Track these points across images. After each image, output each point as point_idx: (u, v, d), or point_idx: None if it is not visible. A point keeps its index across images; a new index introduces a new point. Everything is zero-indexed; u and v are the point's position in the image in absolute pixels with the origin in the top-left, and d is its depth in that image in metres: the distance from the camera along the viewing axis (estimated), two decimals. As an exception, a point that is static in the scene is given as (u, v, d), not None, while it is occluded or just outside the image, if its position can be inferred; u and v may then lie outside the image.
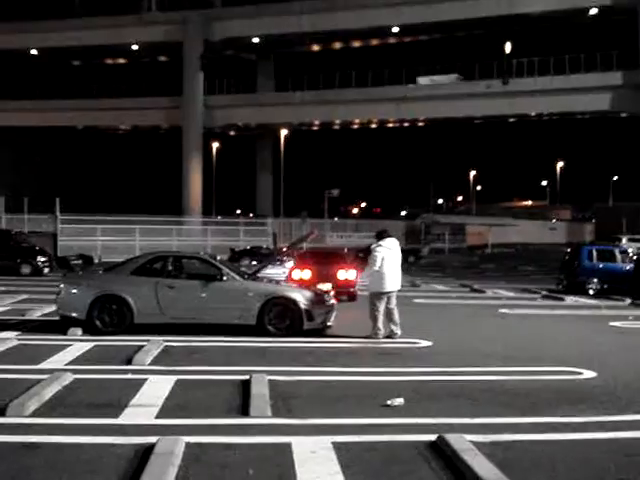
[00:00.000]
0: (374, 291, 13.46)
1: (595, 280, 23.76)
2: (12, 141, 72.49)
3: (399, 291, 13.84)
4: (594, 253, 24.58)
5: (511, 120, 69.57)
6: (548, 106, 60.80)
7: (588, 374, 10.26)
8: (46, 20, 66.45)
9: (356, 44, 69.90)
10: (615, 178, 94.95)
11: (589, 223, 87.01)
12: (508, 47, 61.17)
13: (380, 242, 13.49)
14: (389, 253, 13.40)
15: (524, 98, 59.47)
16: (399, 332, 13.38)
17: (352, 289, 20.26)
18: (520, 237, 76.17)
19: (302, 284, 17.65)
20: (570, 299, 21.79)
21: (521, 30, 63.14)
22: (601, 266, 24.08)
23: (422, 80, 62.14)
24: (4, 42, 65.68)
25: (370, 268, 13.42)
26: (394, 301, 13.56)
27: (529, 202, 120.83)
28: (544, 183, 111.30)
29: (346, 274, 20.32)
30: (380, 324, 13.29)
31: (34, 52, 70.30)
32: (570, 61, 58.64)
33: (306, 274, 20.01)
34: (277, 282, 15.74)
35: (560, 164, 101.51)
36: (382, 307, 13.31)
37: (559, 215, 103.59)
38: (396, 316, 13.45)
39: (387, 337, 13.30)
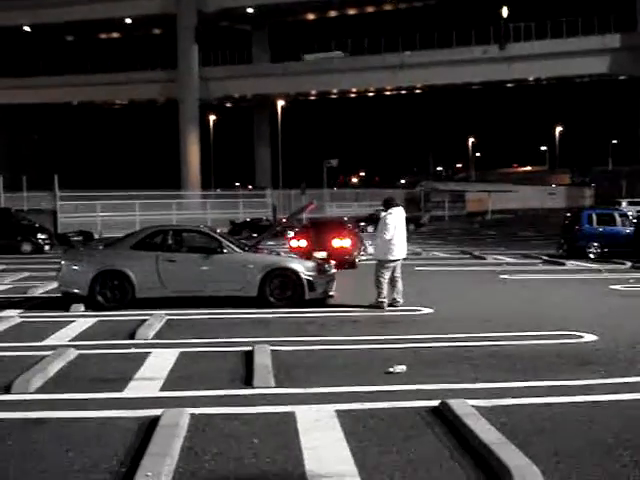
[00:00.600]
0: (382, 259, 13.48)
1: (595, 244, 23.77)
2: (8, 119, 72.26)
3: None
4: (594, 217, 24.57)
5: (509, 85, 69.28)
6: (546, 70, 60.47)
7: (589, 337, 10.31)
8: (38, -5, 65.95)
9: (351, 12, 69.33)
10: (614, 142, 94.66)
11: (588, 187, 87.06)
12: (505, 12, 60.68)
13: (390, 211, 13.48)
14: (399, 222, 13.43)
15: (522, 63, 59.16)
16: (401, 300, 13.43)
17: (348, 257, 20.49)
18: (520, 203, 76.12)
19: (300, 253, 17.91)
20: (571, 264, 21.82)
21: (517, -6, 62.67)
22: (601, 230, 24.08)
23: (308, 57, 64.75)
24: (-4, 19, 65.25)
25: (381, 236, 13.43)
26: (399, 270, 13.60)
27: (528, 168, 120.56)
28: (543, 148, 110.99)
29: (341, 242, 20.60)
30: (385, 292, 13.32)
31: (27, 29, 69.76)
32: (567, 25, 58.25)
33: (303, 243, 20.46)
34: (277, 253, 15.76)
35: (559, 129, 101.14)
36: (388, 275, 13.35)
37: (559, 180, 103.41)
38: (399, 284, 13.50)
39: (389, 305, 13.34)
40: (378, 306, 13.20)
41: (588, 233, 24.03)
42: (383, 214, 13.61)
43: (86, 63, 68.98)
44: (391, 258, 13.38)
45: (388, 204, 13.69)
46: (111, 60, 68.91)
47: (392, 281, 13.46)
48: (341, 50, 64.07)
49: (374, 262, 14.02)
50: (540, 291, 16.05)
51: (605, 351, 9.43)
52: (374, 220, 42.84)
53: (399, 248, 13.43)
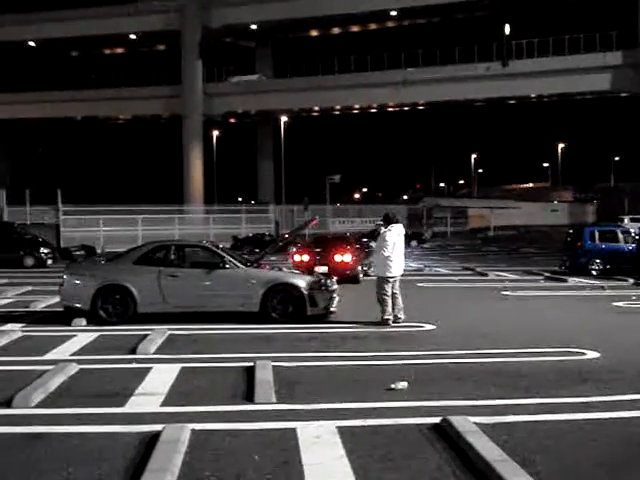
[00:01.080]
0: (382, 276, 13.45)
1: (598, 261, 23.73)
2: (12, 134, 72.47)
3: (402, 275, 13.85)
4: (596, 234, 24.54)
5: (511, 102, 69.37)
6: (548, 87, 60.56)
7: (591, 354, 10.28)
8: (43, 11, 66.27)
9: (355, 29, 69.61)
10: (616, 158, 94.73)
11: (591, 204, 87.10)
12: (507, 29, 60.91)
13: (390, 227, 13.46)
14: (398, 239, 13.41)
15: (524, 80, 59.27)
16: (403, 316, 13.40)
17: (350, 272, 20.64)
18: (522, 219, 76.08)
19: (302, 268, 18.06)
20: (573, 280, 21.78)
21: (520, 11, 62.86)
22: (604, 247, 24.05)
23: (233, 79, 67.79)
24: (1, 34, 65.54)
25: (380, 253, 13.40)
26: (397, 286, 13.58)
27: (531, 184, 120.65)
28: (545, 165, 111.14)
29: (343, 257, 20.84)
30: (390, 308, 13.26)
31: (32, 44, 70.11)
32: (569, 42, 58.38)
33: (306, 258, 20.82)
34: (279, 269, 15.76)
35: (561, 145, 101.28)
36: (390, 292, 13.31)
37: (561, 197, 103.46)
38: (400, 301, 13.47)
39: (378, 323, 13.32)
40: (384, 323, 13.15)
41: (590, 250, 24.00)
42: (383, 230, 13.57)
43: (90, 78, 69.25)
44: (389, 275, 13.33)
45: (388, 220, 13.64)
46: (115, 75, 69.21)
47: (392, 298, 13.42)
48: (359, 67, 64.11)
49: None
50: (542, 308, 16.02)
51: (607, 368, 9.40)
52: (376, 236, 42.90)
53: (397, 265, 13.40)
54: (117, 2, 66.19)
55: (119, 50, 75.51)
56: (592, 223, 45.91)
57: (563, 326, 13.18)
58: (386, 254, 13.26)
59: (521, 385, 8.53)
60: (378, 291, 13.39)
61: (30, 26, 66.43)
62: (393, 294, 13.41)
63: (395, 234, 13.40)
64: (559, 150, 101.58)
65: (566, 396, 7.98)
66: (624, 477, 5.58)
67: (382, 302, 13.30)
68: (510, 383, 8.63)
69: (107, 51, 75.89)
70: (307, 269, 18.64)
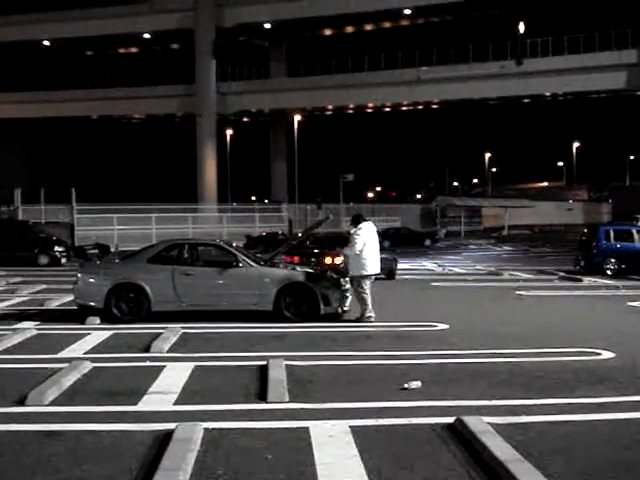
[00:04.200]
0: (357, 275, 13.57)
1: (613, 260, 23.60)
2: (27, 133, 72.90)
3: (416, 275, 13.83)
4: (611, 233, 24.41)
5: (526, 101, 69.16)
6: (563, 86, 60.31)
7: (606, 355, 10.21)
8: (58, 11, 66.57)
9: (368, 27, 69.50)
10: (631, 157, 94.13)
11: (606, 203, 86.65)
12: (522, 27, 60.66)
13: (360, 226, 13.60)
14: (370, 237, 13.53)
15: (538, 78, 59.05)
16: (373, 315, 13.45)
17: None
18: (537, 218, 75.78)
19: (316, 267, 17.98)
20: (588, 280, 21.66)
21: (535, 10, 62.60)
22: (619, 246, 23.91)
23: None
24: (17, 33, 65.94)
25: (352, 252, 13.51)
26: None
27: (545, 183, 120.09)
28: (560, 164, 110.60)
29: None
30: (370, 306, 13.41)
31: (47, 43, 70.43)
32: (584, 40, 58.11)
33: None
34: (293, 267, 15.74)
35: (576, 144, 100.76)
36: (368, 289, 13.45)
37: (576, 196, 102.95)
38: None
39: (358, 320, 13.38)
40: (366, 321, 13.27)
41: (605, 249, 23.87)
42: (353, 230, 13.70)
43: (105, 77, 69.55)
44: (364, 273, 13.51)
45: (357, 220, 13.88)
46: (130, 74, 69.45)
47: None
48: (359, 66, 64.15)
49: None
50: (556, 307, 15.94)
51: (623, 368, 9.33)
52: (390, 235, 43.08)
53: (372, 263, 13.54)
54: (131, 1, 66.41)
55: (133, 49, 75.74)
56: (607, 222, 45.67)
57: (578, 326, 13.10)
58: (356, 251, 13.38)
59: (535, 385, 8.48)
60: (356, 290, 13.53)
61: (45, 25, 66.77)
62: None
63: (366, 232, 13.54)
64: (574, 149, 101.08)
65: (581, 396, 7.93)
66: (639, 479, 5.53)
67: (362, 300, 13.47)
68: (524, 383, 8.59)
69: (122, 50, 76.14)
70: (319, 268, 18.61)
